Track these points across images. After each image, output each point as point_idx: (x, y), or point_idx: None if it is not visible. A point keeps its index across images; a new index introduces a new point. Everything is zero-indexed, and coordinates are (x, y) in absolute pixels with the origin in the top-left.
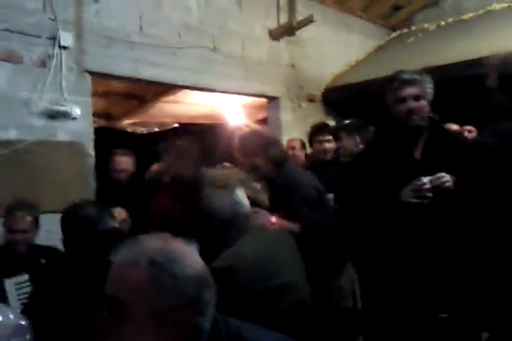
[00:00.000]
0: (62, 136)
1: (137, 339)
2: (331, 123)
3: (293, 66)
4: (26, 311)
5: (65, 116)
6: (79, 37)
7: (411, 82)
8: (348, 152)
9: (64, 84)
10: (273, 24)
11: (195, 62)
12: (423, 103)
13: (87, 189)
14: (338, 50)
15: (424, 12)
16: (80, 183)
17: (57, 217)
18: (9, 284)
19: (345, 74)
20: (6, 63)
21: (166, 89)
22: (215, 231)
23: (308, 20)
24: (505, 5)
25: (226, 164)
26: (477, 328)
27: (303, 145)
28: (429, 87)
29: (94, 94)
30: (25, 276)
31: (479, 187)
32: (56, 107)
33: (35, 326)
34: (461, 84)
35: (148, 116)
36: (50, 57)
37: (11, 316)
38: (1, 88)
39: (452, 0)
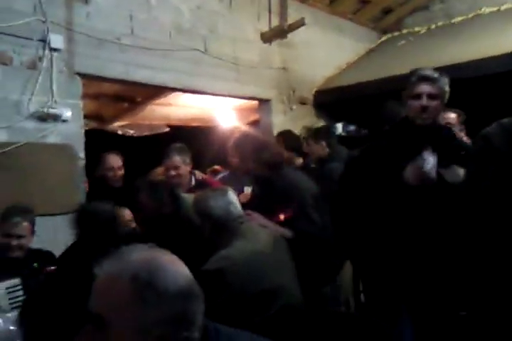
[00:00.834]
0: (52, 139)
1: None
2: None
3: (284, 69)
4: (23, 315)
5: (56, 118)
6: (69, 39)
7: (429, 80)
8: (315, 157)
9: (54, 86)
10: (264, 27)
11: (187, 64)
12: (437, 103)
13: (77, 191)
14: (329, 52)
15: (415, 15)
16: (70, 185)
17: (47, 219)
18: (0, 288)
19: (337, 76)
20: None
21: (157, 91)
22: (209, 233)
23: (300, 23)
24: (494, 9)
25: (216, 167)
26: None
27: None
28: (446, 88)
29: (85, 96)
30: (17, 280)
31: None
32: (46, 109)
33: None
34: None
35: (139, 118)
36: (41, 59)
37: (1, 321)
38: None
39: (442, 4)
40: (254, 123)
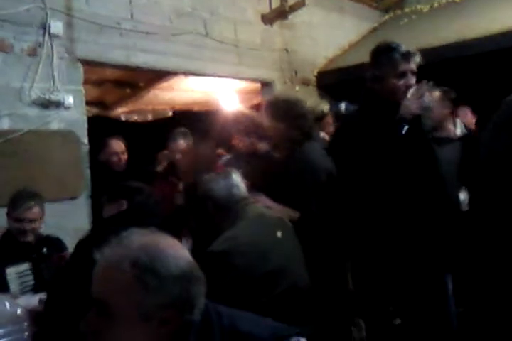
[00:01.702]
0: (55, 125)
1: (127, 339)
2: (326, 106)
3: (286, 50)
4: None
5: (58, 105)
6: (69, 25)
7: (413, 56)
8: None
9: (56, 72)
10: (265, 8)
11: (188, 47)
12: (415, 79)
13: (81, 178)
14: (331, 33)
15: None
16: (74, 172)
17: (52, 205)
18: (10, 273)
19: (339, 57)
20: None
21: (159, 75)
22: (212, 215)
23: (301, 4)
24: None
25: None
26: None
27: None
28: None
29: (87, 82)
30: (26, 265)
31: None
32: (48, 96)
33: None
34: (456, 65)
35: (142, 103)
36: (41, 45)
37: (8, 305)
38: None
39: None
40: (258, 107)
